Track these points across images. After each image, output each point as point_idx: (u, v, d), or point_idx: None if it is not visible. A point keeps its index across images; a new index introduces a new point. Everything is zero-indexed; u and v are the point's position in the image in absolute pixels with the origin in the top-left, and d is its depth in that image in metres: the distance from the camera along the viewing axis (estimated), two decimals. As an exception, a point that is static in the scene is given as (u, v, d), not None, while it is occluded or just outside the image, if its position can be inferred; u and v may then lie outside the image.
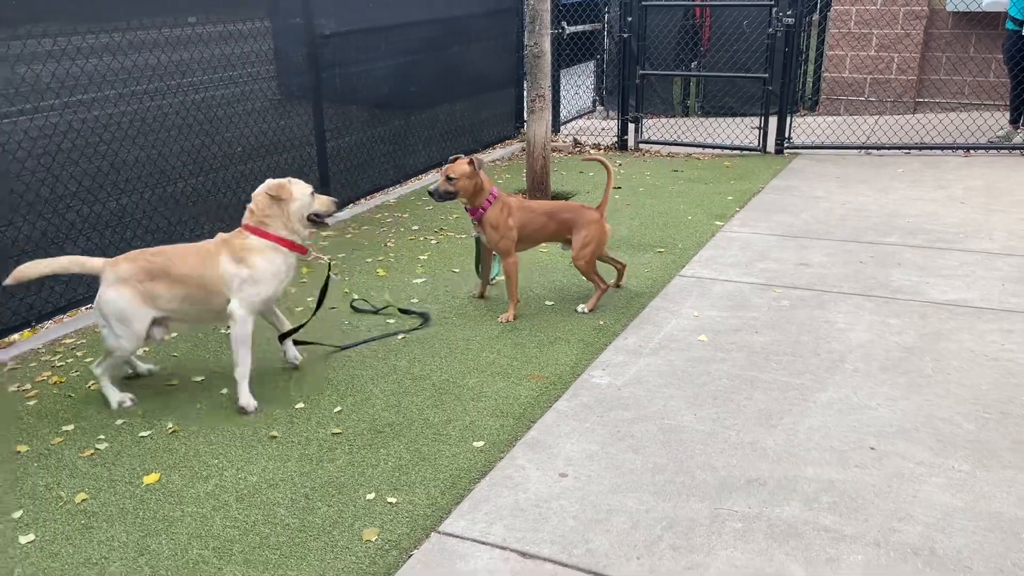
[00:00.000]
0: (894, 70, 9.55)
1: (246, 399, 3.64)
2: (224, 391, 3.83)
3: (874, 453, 3.14)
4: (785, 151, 8.17)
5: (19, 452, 3.40)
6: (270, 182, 3.75)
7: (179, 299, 3.62)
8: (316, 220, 3.85)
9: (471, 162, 4.44)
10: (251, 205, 3.73)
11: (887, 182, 6.95)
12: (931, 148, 7.91)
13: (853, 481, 2.98)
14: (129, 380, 3.95)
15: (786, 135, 8.15)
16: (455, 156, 4.52)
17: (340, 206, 4.06)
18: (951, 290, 4.62)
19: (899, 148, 7.98)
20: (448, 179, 4.41)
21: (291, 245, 3.74)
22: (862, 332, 4.15)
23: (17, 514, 2.99)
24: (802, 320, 4.31)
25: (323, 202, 3.85)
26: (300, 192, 3.77)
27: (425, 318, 4.53)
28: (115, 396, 3.72)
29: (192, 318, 3.79)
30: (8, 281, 3.56)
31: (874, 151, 8.05)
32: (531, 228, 4.55)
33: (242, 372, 3.65)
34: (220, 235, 3.75)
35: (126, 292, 3.55)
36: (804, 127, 8.72)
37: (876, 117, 9.28)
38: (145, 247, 5.07)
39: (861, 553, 2.61)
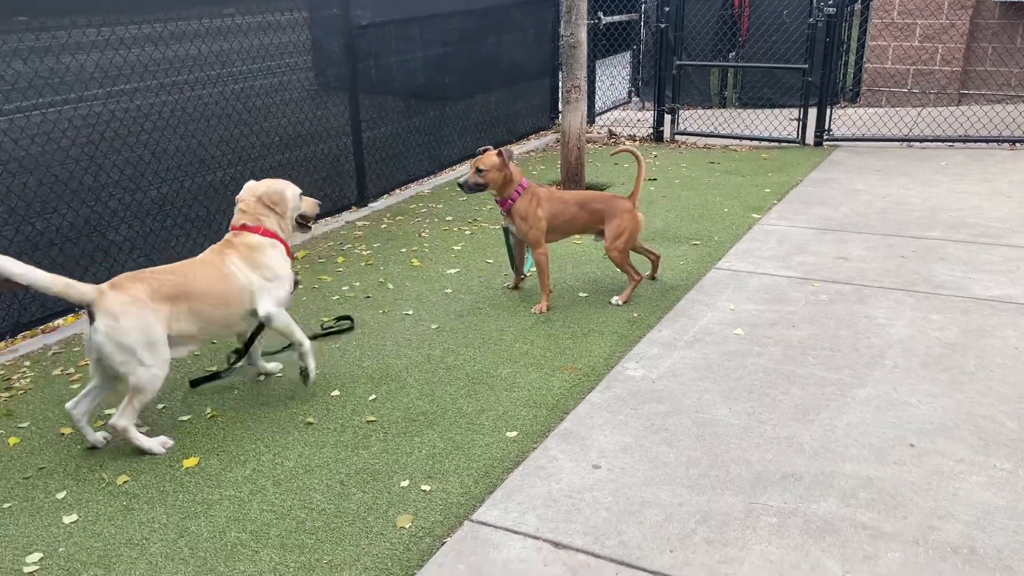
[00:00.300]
0: (938, 61, 9.35)
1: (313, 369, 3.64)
2: (261, 377, 3.88)
3: (914, 450, 3.09)
4: (824, 143, 8.05)
5: (63, 434, 3.48)
6: (267, 183, 3.71)
7: (196, 318, 3.33)
8: (302, 223, 3.84)
9: (500, 153, 4.44)
10: (241, 205, 3.64)
11: (930, 175, 6.81)
12: (976, 141, 7.74)
13: (892, 478, 2.93)
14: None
15: (826, 127, 8.02)
16: (484, 147, 4.52)
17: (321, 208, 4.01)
18: (995, 286, 4.52)
19: (942, 141, 7.82)
20: (477, 171, 4.42)
21: (286, 245, 3.68)
22: (903, 327, 4.08)
23: (61, 494, 3.07)
24: (841, 315, 4.25)
25: (310, 204, 3.85)
26: (292, 194, 3.75)
27: (349, 319, 4.41)
28: (150, 442, 3.29)
29: (203, 337, 3.47)
30: None
31: (916, 144, 7.89)
32: (562, 219, 4.54)
33: (305, 347, 3.61)
34: (213, 247, 3.56)
35: (148, 314, 3.17)
36: (844, 119, 8.57)
37: (919, 109, 9.09)
38: (183, 236, 5.16)
39: (899, 551, 2.58)
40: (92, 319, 3.13)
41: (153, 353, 3.19)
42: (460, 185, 4.49)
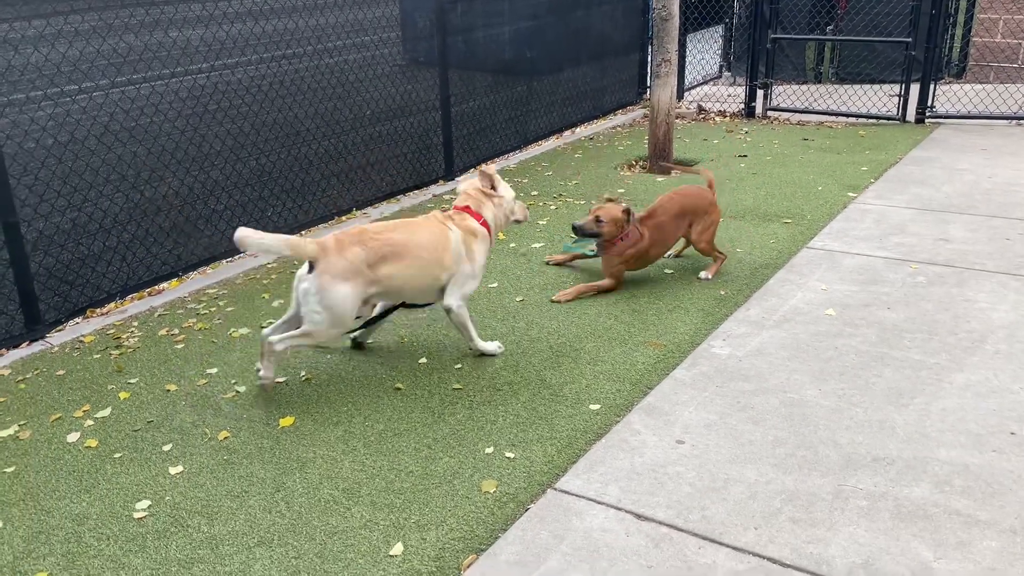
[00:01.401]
0: (1055, 34, 8.80)
1: (489, 347, 3.79)
2: (347, 342, 4.01)
3: (1015, 438, 2.98)
4: (927, 120, 7.72)
5: (169, 391, 3.68)
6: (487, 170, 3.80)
7: (400, 279, 3.46)
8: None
9: (626, 211, 4.31)
10: (464, 187, 3.79)
11: (1041, 155, 6.46)
12: (1093, 119, 7.29)
13: (989, 466, 2.84)
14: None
15: (929, 103, 7.69)
16: (608, 196, 4.42)
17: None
18: (1110, 272, 4.28)
19: (1056, 119, 7.39)
20: (597, 220, 4.30)
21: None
22: (1006, 312, 3.91)
23: (167, 447, 3.25)
24: (939, 297, 4.10)
25: (521, 208, 3.94)
26: (507, 188, 3.86)
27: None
28: (269, 373, 3.48)
29: (394, 298, 3.65)
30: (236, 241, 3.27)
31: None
32: (661, 239, 4.45)
33: (476, 345, 3.75)
34: (435, 214, 3.66)
35: (357, 286, 3.34)
36: (949, 95, 8.18)
37: (1031, 85, 8.60)
38: (279, 205, 5.33)
39: (995, 539, 2.50)
40: (310, 269, 3.35)
41: (342, 320, 3.39)
42: (574, 228, 4.37)
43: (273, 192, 5.43)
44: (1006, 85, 8.61)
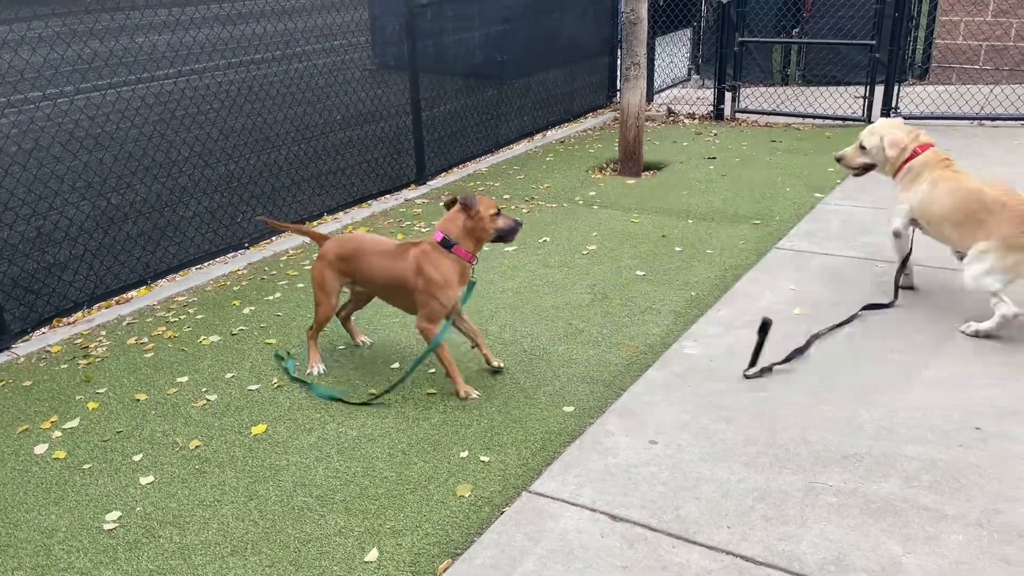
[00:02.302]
0: (1012, 36, 8.99)
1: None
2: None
3: (980, 433, 3.04)
4: (891, 122, 7.83)
5: (139, 400, 3.63)
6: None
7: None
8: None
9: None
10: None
11: (1003, 155, 6.59)
12: (1052, 119, 7.45)
13: (956, 461, 2.89)
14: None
15: (893, 105, 7.81)
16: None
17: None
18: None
19: (1016, 119, 7.54)
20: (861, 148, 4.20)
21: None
22: (973, 308, 3.98)
23: (138, 457, 3.21)
24: (905, 293, 4.17)
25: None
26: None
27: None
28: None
29: None
30: None
31: (988, 122, 7.63)
32: None
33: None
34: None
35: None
36: (913, 96, 8.32)
37: (991, 87, 8.77)
38: (249, 212, 5.29)
39: (962, 533, 2.55)
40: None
41: None
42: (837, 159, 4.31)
43: (243, 198, 5.39)
44: (968, 86, 8.77)
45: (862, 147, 4.22)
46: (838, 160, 4.34)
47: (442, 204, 3.65)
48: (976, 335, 3.73)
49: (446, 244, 3.41)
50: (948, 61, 9.40)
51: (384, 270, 3.52)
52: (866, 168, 4.27)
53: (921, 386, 3.37)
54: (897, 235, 4.13)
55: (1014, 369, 3.45)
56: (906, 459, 2.92)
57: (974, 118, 7.68)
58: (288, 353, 3.90)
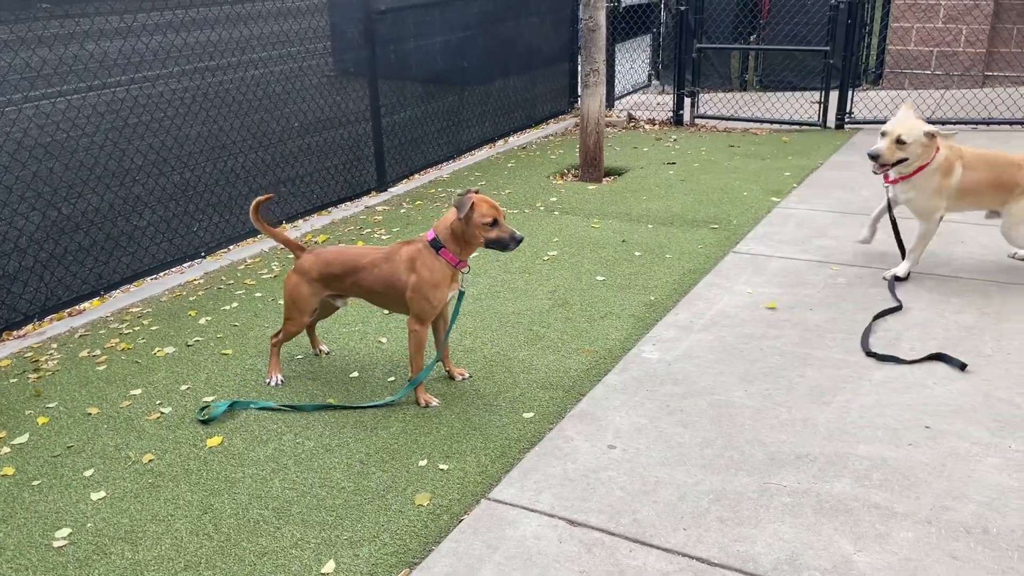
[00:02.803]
0: (962, 42, 9.22)
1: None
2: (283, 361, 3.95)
3: (929, 432, 3.10)
4: (846, 126, 7.99)
5: (90, 414, 3.56)
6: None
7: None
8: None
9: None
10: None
11: (952, 158, 6.74)
12: (1000, 123, 7.64)
13: (906, 459, 2.95)
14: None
15: (847, 110, 7.95)
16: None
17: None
18: (1014, 269, 4.49)
19: (966, 123, 7.72)
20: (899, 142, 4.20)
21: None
22: (921, 311, 4.07)
23: (89, 472, 3.15)
24: (858, 298, 4.25)
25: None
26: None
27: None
28: None
29: None
30: None
31: (940, 127, 7.79)
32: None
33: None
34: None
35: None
36: (866, 101, 8.49)
37: (942, 91, 8.98)
38: (205, 220, 5.23)
39: (911, 530, 2.60)
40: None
41: None
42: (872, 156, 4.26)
43: (199, 207, 5.32)
44: (920, 91, 8.96)
45: (900, 141, 4.17)
46: (874, 158, 4.23)
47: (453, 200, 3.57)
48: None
49: (435, 245, 3.39)
50: (901, 67, 9.61)
51: (380, 279, 3.46)
52: (896, 164, 4.25)
53: (872, 387, 3.43)
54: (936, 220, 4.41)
55: (960, 368, 3.53)
56: (858, 458, 2.97)
57: (925, 122, 7.84)
58: (204, 406, 3.57)
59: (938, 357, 3.60)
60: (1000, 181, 4.29)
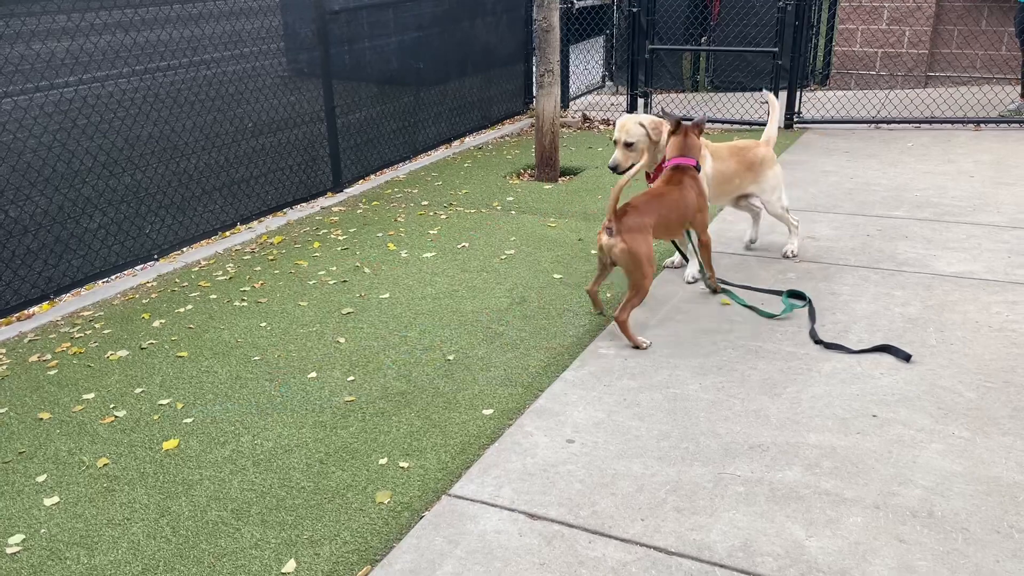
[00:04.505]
0: (905, 44, 9.49)
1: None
2: (232, 361, 3.92)
3: (876, 420, 3.20)
4: (795, 126, 8.16)
5: (42, 419, 3.50)
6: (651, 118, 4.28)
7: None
8: None
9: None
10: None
11: (896, 156, 6.95)
12: (942, 122, 7.88)
13: (854, 447, 3.04)
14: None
15: (796, 109, 8.13)
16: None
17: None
18: (957, 262, 4.65)
19: (909, 122, 7.96)
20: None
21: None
22: (867, 303, 4.19)
23: (41, 478, 3.09)
24: (808, 292, 4.35)
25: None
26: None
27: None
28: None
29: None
30: None
31: (884, 125, 8.03)
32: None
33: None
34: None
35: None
36: (814, 101, 8.69)
37: (887, 91, 9.23)
38: (158, 222, 5.16)
39: (860, 515, 2.68)
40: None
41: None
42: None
43: (151, 208, 5.25)
44: (865, 91, 9.20)
45: (628, 145, 4.27)
46: (614, 169, 4.32)
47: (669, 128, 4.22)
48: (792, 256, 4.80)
49: (697, 168, 4.16)
50: (847, 67, 9.85)
51: (683, 209, 4.05)
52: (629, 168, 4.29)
53: (821, 378, 3.53)
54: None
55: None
56: (808, 447, 3.05)
57: (871, 121, 8.06)
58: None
59: (884, 349, 3.72)
60: (746, 162, 4.66)
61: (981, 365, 3.57)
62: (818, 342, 3.80)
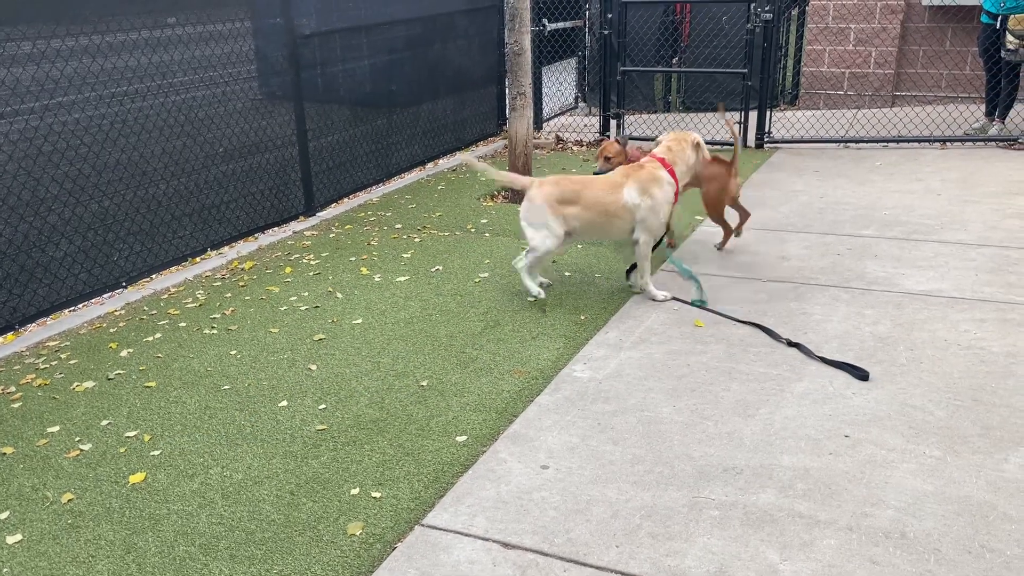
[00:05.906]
0: (872, 64, 9.65)
1: (656, 293, 4.64)
2: (201, 391, 3.86)
3: (848, 441, 3.21)
4: (765, 145, 8.26)
5: (4, 454, 3.42)
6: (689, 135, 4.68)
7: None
8: None
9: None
10: (667, 141, 4.71)
11: (865, 175, 7.04)
12: (908, 141, 8.01)
13: (827, 468, 3.04)
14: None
15: (766, 129, 8.23)
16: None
17: None
18: (926, 281, 4.70)
19: (877, 141, 8.08)
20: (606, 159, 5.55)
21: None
22: (838, 323, 4.22)
23: (4, 515, 3.02)
24: (779, 312, 4.38)
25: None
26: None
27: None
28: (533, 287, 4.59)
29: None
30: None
31: (852, 145, 8.14)
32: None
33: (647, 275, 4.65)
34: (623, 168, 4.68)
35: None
36: (784, 121, 8.80)
37: (855, 111, 9.38)
38: (126, 249, 5.10)
39: (834, 537, 2.68)
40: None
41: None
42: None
43: (119, 236, 5.18)
44: (833, 111, 9.34)
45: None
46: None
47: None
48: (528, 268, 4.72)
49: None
50: (815, 88, 10.00)
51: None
52: None
53: (794, 398, 3.54)
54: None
55: (876, 378, 3.67)
56: (782, 469, 3.05)
57: (840, 141, 8.18)
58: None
59: (842, 366, 3.75)
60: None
61: (950, 383, 3.60)
62: (791, 344, 3.99)
